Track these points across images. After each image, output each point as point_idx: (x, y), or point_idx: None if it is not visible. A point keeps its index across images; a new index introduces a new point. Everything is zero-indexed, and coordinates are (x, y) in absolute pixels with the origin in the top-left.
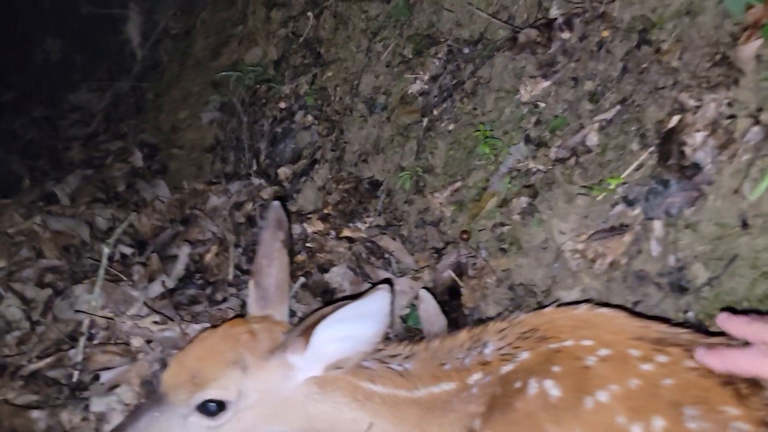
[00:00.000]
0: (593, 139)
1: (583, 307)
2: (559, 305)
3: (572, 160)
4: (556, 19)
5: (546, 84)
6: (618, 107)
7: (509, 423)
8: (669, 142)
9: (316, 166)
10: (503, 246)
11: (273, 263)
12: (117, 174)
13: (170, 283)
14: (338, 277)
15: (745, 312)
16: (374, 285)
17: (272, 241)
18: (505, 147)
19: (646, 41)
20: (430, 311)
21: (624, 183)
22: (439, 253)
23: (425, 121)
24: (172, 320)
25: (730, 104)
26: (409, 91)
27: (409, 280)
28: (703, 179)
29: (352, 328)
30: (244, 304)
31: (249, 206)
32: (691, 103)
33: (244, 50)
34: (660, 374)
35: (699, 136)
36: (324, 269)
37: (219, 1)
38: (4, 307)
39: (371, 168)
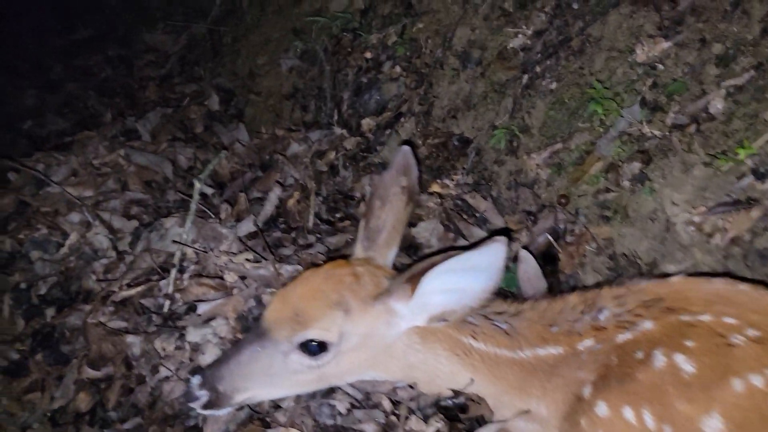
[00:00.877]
0: (718, 105)
1: (719, 281)
2: (689, 275)
3: (692, 128)
4: None
5: (666, 45)
6: (752, 72)
7: (629, 393)
8: None
9: (402, 119)
10: (606, 214)
11: (386, 206)
12: (194, 116)
13: (252, 226)
14: (426, 232)
15: None
16: (489, 236)
17: (391, 185)
18: (615, 110)
19: None
20: (531, 273)
21: (754, 154)
22: (532, 216)
23: (524, 78)
24: (265, 259)
25: None
26: (509, 46)
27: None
28: None
29: (462, 280)
30: (329, 250)
31: (331, 155)
32: None
33: None
34: None
35: None
36: (411, 224)
37: None
38: (92, 235)
39: (461, 125)
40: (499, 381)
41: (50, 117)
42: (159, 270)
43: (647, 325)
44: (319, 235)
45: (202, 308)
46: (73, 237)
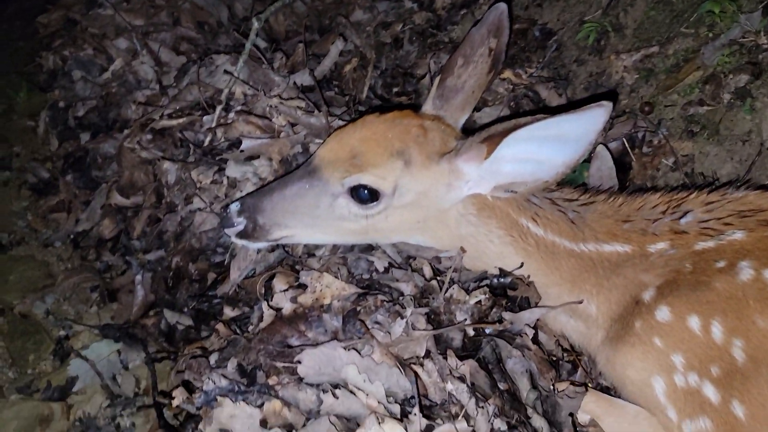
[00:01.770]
0: None
1: None
2: None
3: None
4: None
5: None
6: None
7: (699, 302)
8: None
9: (480, 1)
10: (693, 128)
11: (469, 66)
12: None
13: (309, 80)
14: (489, 118)
15: None
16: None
17: (478, 44)
18: (731, 14)
19: None
20: (604, 170)
21: None
22: (611, 121)
23: None
24: (318, 109)
25: None
26: None
27: None
28: None
29: (543, 150)
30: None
31: (397, 27)
32: None
33: None
34: None
35: None
36: (475, 107)
37: None
38: (138, 64)
39: (545, 14)
40: (552, 272)
41: None
42: (204, 104)
43: (738, 235)
44: (368, 108)
45: (246, 144)
46: (117, 63)
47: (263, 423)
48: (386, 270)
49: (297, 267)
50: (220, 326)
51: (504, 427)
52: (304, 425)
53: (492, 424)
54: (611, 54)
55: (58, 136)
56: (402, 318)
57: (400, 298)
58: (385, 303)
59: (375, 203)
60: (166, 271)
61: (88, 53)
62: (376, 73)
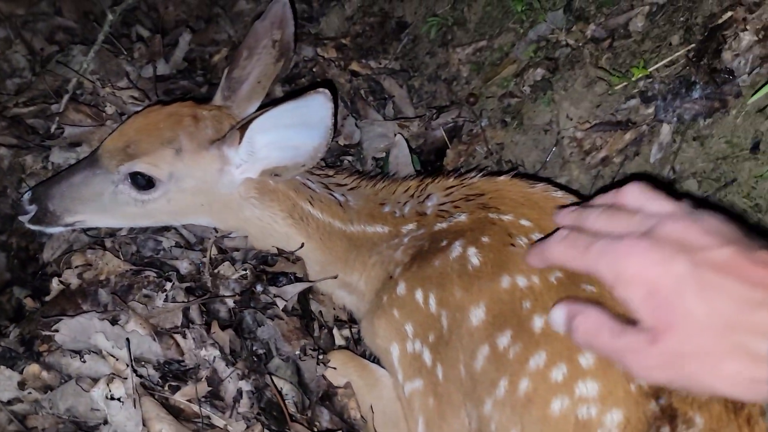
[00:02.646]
0: (637, 24)
1: (540, 185)
2: (515, 175)
3: (606, 42)
4: None
5: None
6: None
7: (421, 278)
8: (709, 40)
9: None
10: (506, 119)
11: (253, 58)
12: None
13: (167, 69)
14: None
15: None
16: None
17: (263, 36)
18: (543, 12)
19: None
20: (401, 158)
21: (648, 77)
22: (440, 110)
23: None
24: (149, 99)
25: None
26: None
27: (395, 125)
28: (731, 90)
29: (293, 136)
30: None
31: None
32: None
33: None
34: (583, 278)
35: (745, 40)
36: None
37: None
38: (11, 53)
39: (405, 8)
40: (328, 251)
41: None
42: (53, 94)
43: (462, 217)
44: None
45: (69, 131)
46: None
47: (21, 385)
48: (171, 248)
49: (97, 245)
50: (27, 300)
51: (249, 387)
52: (58, 387)
53: (238, 384)
54: (452, 47)
55: None
56: (163, 292)
57: (170, 274)
58: (155, 279)
59: (153, 189)
60: (15, 251)
61: None
62: None
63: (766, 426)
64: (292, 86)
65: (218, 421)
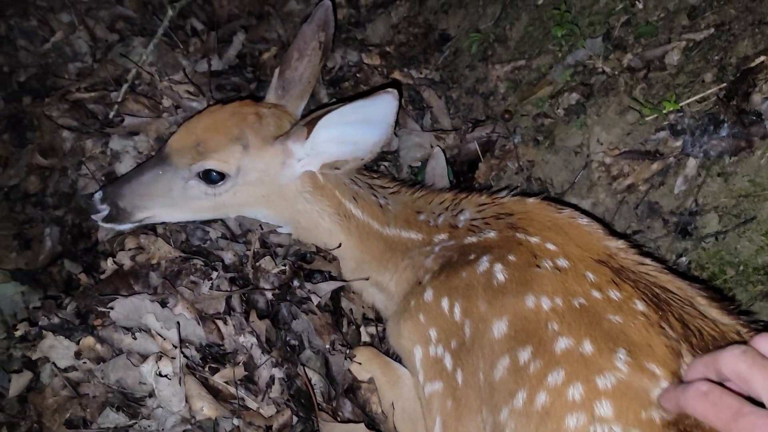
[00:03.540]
0: (674, 57)
1: (566, 212)
2: (544, 198)
3: (642, 73)
4: None
5: None
6: (712, 30)
7: (448, 287)
8: (741, 82)
9: (398, 2)
10: (538, 137)
11: (304, 59)
12: None
13: (219, 65)
14: None
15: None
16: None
17: (311, 38)
18: (581, 38)
19: None
20: (437, 170)
21: (679, 111)
22: (474, 124)
23: None
24: (203, 95)
25: None
26: None
27: (431, 137)
28: (758, 131)
29: (356, 132)
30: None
31: None
32: None
33: None
34: (608, 308)
35: None
36: None
37: None
38: (74, 38)
39: (449, 21)
40: (366, 249)
41: None
42: (113, 82)
43: (491, 234)
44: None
45: (128, 121)
46: (58, 35)
47: (77, 355)
48: (218, 239)
49: (148, 231)
50: (82, 275)
51: (281, 375)
52: (110, 359)
53: (271, 371)
54: (491, 63)
55: (4, 97)
56: (209, 280)
57: (216, 263)
58: (201, 267)
59: (222, 183)
60: (71, 227)
61: (32, 24)
62: None
63: None
64: (336, 89)
65: (251, 403)
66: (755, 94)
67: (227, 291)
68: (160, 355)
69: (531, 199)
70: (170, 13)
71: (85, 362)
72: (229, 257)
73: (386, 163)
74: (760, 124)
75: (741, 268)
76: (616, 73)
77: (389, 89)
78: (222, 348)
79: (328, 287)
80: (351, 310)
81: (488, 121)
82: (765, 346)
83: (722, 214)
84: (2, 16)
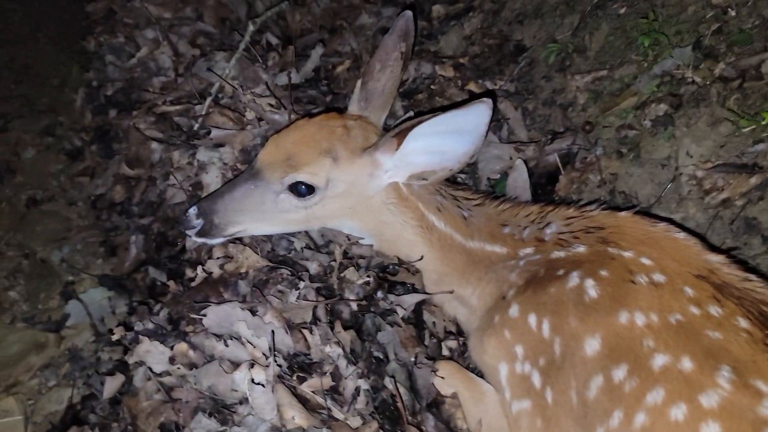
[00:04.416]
0: None
1: (662, 225)
2: (637, 213)
3: (736, 83)
4: None
5: None
6: None
7: (536, 303)
8: None
9: (471, 13)
10: (622, 150)
11: (386, 70)
12: None
13: (297, 78)
14: None
15: None
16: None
17: (392, 49)
18: (669, 47)
19: None
20: (519, 182)
21: None
22: (553, 136)
23: None
24: (285, 108)
25: None
26: None
27: (511, 149)
28: None
29: (445, 142)
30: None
31: None
32: None
33: None
34: (707, 324)
35: None
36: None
37: None
38: (158, 53)
39: (524, 32)
40: (448, 262)
41: None
42: (197, 95)
43: (580, 249)
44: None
45: (215, 133)
46: (143, 51)
47: (171, 360)
48: (302, 249)
49: (234, 240)
50: (170, 283)
51: (366, 386)
52: (203, 366)
53: (357, 382)
54: (570, 74)
55: (92, 110)
56: (296, 289)
57: (302, 273)
58: (288, 276)
59: (312, 196)
60: (155, 235)
61: (119, 40)
62: None
63: None
64: (410, 101)
65: (338, 414)
66: None
67: (314, 301)
68: (252, 363)
69: (623, 213)
70: (251, 27)
71: (179, 368)
72: (314, 267)
73: (463, 176)
74: None
75: None
76: (708, 83)
77: (484, 99)
78: (309, 357)
79: (411, 299)
80: (434, 323)
81: (568, 132)
82: None
83: None
84: (92, 33)
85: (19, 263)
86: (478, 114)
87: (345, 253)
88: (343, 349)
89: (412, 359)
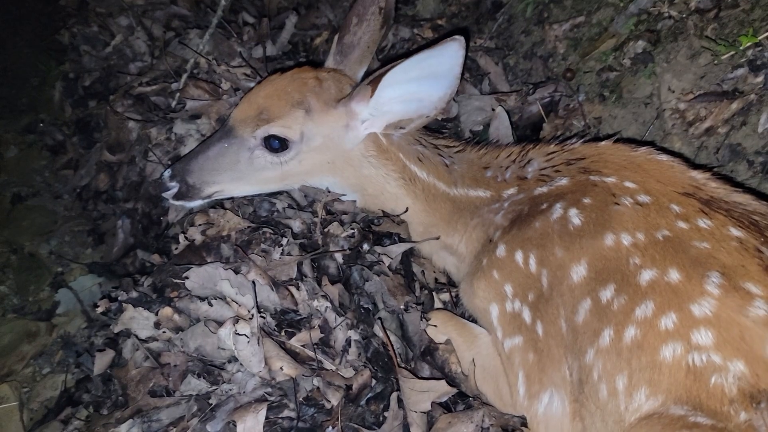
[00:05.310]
0: None
1: (643, 149)
2: (617, 140)
3: (713, 13)
4: None
5: None
6: None
7: (521, 239)
8: None
9: None
10: (604, 93)
11: (363, 25)
12: None
13: (273, 51)
14: None
15: None
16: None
17: (370, 3)
18: None
19: None
20: (501, 130)
21: (757, 45)
22: (537, 86)
23: None
24: (260, 76)
25: None
26: None
27: (492, 99)
28: None
29: (420, 88)
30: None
31: None
32: None
33: None
34: (695, 236)
35: None
36: None
37: None
38: (133, 39)
39: None
40: (433, 212)
41: None
42: (172, 73)
43: (563, 181)
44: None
45: (190, 105)
46: (118, 38)
47: (157, 325)
48: (284, 209)
49: (216, 206)
50: (155, 256)
51: (357, 337)
52: (188, 328)
53: (347, 334)
54: (548, 24)
55: (71, 103)
56: (279, 246)
57: (285, 231)
58: (271, 235)
59: (287, 150)
60: (141, 217)
61: (93, 30)
62: None
63: None
64: (391, 52)
65: (329, 366)
66: None
67: (298, 256)
68: (237, 319)
69: (603, 142)
70: (223, 2)
71: (164, 332)
72: (297, 225)
73: (446, 131)
74: None
75: None
76: (684, 16)
77: (456, 36)
78: (297, 313)
79: (398, 249)
80: (423, 272)
81: (549, 81)
82: None
83: None
84: (65, 25)
85: (7, 258)
86: (451, 53)
87: (327, 210)
88: (331, 302)
89: (402, 307)
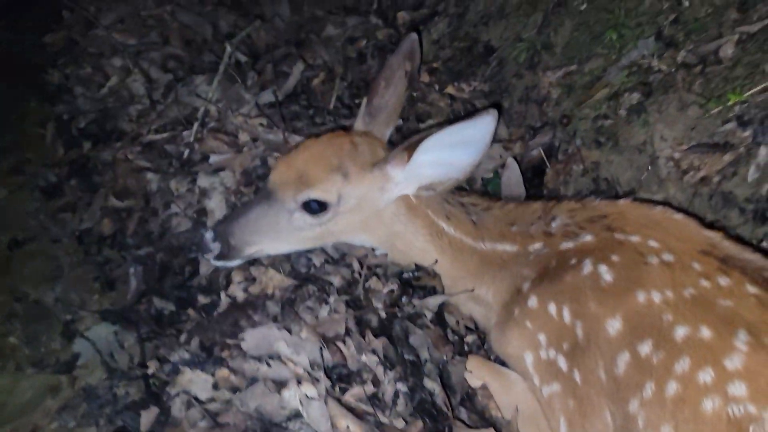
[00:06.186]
0: (728, 51)
1: (659, 208)
2: (635, 199)
3: (698, 68)
4: None
5: None
6: (765, 21)
7: (554, 292)
8: None
9: (436, 18)
10: (600, 139)
11: (390, 88)
12: None
13: (279, 96)
14: None
15: None
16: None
17: (397, 68)
18: (633, 39)
19: None
20: (513, 179)
21: (744, 102)
22: (534, 131)
23: None
24: (277, 126)
25: None
26: None
27: (500, 148)
28: None
29: (452, 154)
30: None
31: (362, 43)
32: None
33: None
34: (718, 294)
35: None
36: (420, 119)
37: None
38: (131, 81)
39: (490, 33)
40: (460, 265)
41: None
42: (183, 121)
43: (587, 237)
44: (336, 117)
45: (214, 159)
46: (113, 80)
47: (215, 386)
48: (322, 264)
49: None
50: (190, 311)
51: (405, 389)
52: (246, 388)
53: (396, 386)
54: (541, 70)
55: (63, 144)
56: (327, 304)
57: (329, 287)
58: (315, 292)
59: (325, 212)
60: (154, 265)
61: (87, 71)
62: (344, 85)
63: None
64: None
65: (382, 418)
66: None
67: (345, 313)
68: (299, 380)
69: (621, 201)
70: (229, 49)
71: (223, 392)
72: (337, 281)
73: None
74: None
75: None
76: (673, 70)
77: (490, 110)
78: (346, 368)
79: (435, 301)
80: (457, 322)
81: (547, 126)
82: None
83: None
84: (55, 65)
85: (12, 307)
86: (485, 124)
87: (362, 264)
88: (378, 356)
89: (445, 358)
